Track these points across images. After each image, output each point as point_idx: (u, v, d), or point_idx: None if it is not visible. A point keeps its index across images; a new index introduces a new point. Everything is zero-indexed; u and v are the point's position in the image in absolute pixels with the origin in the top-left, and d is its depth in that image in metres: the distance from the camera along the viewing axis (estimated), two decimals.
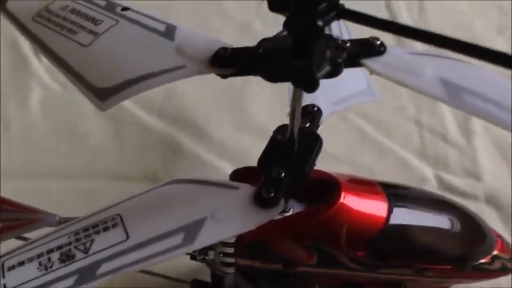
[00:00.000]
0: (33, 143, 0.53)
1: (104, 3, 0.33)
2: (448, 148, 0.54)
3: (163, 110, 0.56)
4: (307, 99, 0.35)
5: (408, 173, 0.52)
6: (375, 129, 0.55)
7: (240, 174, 0.37)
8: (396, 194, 0.36)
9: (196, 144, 0.53)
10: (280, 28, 0.26)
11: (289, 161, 0.31)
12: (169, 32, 0.29)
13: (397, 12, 0.71)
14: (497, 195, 0.50)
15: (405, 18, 0.71)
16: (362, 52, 0.26)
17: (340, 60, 0.26)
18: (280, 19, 0.26)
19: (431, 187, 0.51)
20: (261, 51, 0.26)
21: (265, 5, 0.25)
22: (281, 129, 0.32)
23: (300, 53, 0.25)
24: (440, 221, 0.36)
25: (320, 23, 0.23)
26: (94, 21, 0.31)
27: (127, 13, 0.31)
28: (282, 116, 0.55)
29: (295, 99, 0.29)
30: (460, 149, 0.54)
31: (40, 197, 0.48)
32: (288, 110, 0.30)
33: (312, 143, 0.32)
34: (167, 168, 0.51)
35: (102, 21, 0.31)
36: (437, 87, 0.25)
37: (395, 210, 0.34)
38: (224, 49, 0.27)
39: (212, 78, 0.28)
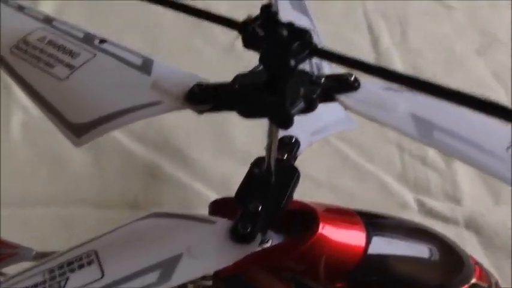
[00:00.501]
0: (12, 169, 0.53)
1: (81, 34, 0.33)
2: (428, 172, 0.55)
3: (145, 134, 0.55)
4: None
5: (389, 197, 0.53)
6: (356, 153, 0.56)
7: (219, 206, 0.37)
8: (374, 224, 0.36)
9: (178, 169, 0.53)
10: None
11: (266, 195, 0.31)
12: (146, 66, 0.30)
13: (378, 35, 0.72)
14: (477, 220, 0.50)
15: (387, 41, 0.71)
16: (336, 87, 0.27)
17: (314, 96, 0.26)
18: None
19: (412, 211, 0.51)
20: (236, 87, 0.26)
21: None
22: (258, 162, 0.33)
23: (274, 89, 0.25)
24: (419, 250, 0.36)
25: (292, 62, 0.23)
26: (71, 54, 0.31)
27: (105, 46, 0.31)
28: (263, 141, 0.55)
29: (272, 133, 0.29)
30: (440, 172, 0.55)
31: (19, 225, 0.47)
32: None
33: (289, 176, 0.32)
34: (148, 194, 0.51)
35: (80, 54, 0.31)
36: (409, 124, 0.25)
37: (374, 240, 0.34)
38: (199, 85, 0.27)
39: None
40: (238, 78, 0.27)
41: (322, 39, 0.43)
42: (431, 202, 0.52)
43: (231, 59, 0.66)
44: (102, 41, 0.32)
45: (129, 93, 0.28)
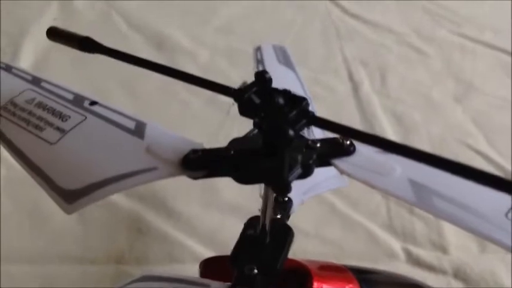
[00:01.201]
0: None
1: (71, 96, 0.32)
2: (415, 220, 0.55)
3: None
4: None
5: (377, 247, 0.52)
6: (343, 202, 0.56)
7: (211, 265, 0.36)
8: (367, 280, 0.36)
9: (164, 223, 0.52)
10: None
11: (261, 256, 0.30)
12: (139, 130, 0.29)
13: (358, 82, 0.73)
14: (464, 269, 0.50)
15: (367, 87, 0.73)
16: (332, 152, 0.27)
17: (311, 161, 0.26)
18: None
19: (400, 261, 0.51)
20: (232, 153, 0.26)
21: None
22: (251, 223, 0.32)
23: (271, 155, 0.26)
24: None
25: (291, 132, 0.23)
26: (61, 116, 0.31)
27: (95, 108, 0.31)
28: (251, 193, 0.55)
29: (267, 197, 0.29)
30: (426, 221, 0.55)
31: (4, 281, 0.46)
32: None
33: (284, 236, 0.32)
34: (134, 249, 0.50)
35: (70, 116, 0.31)
36: (407, 189, 0.25)
37: None
38: (195, 152, 0.27)
39: None
40: (233, 143, 0.27)
41: (309, 93, 0.44)
42: (418, 251, 0.52)
43: (215, 110, 0.67)
44: (93, 102, 0.32)
45: (122, 158, 0.28)
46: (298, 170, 0.25)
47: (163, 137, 0.29)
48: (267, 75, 0.26)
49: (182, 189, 0.56)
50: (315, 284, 0.33)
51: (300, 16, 0.86)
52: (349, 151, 0.27)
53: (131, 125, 0.30)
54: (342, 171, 0.26)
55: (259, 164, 0.25)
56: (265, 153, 0.26)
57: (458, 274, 0.50)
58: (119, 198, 0.54)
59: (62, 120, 0.30)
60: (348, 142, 0.27)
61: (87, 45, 0.30)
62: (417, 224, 0.55)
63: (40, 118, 0.31)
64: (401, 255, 0.52)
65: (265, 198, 0.29)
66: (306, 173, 0.26)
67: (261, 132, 0.25)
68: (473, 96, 0.73)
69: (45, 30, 0.31)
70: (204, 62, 0.75)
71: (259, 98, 0.25)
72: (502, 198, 0.25)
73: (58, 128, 0.30)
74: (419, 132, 0.66)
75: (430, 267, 0.51)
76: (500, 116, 0.70)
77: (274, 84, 0.47)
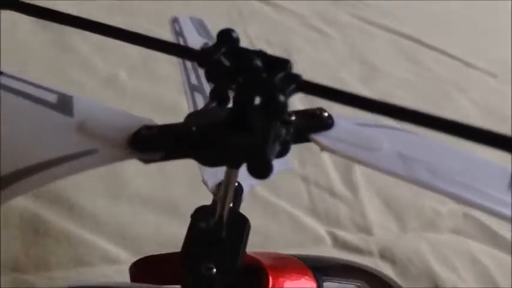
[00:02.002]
0: None
1: None
2: (337, 203, 0.53)
3: None
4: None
5: (302, 232, 0.50)
6: (263, 188, 0.52)
7: (142, 267, 0.31)
8: (318, 268, 0.33)
9: (65, 220, 0.45)
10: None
11: (218, 252, 0.26)
12: (65, 104, 0.23)
13: None
14: (390, 249, 0.50)
15: None
16: (310, 126, 0.23)
17: (288, 137, 0.22)
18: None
19: (327, 246, 0.49)
20: (194, 129, 0.21)
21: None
22: (201, 214, 0.28)
23: (244, 130, 0.21)
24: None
25: (282, 98, 0.19)
26: None
27: (2, 80, 0.24)
28: (161, 179, 0.49)
29: (229, 182, 0.24)
30: (348, 203, 0.54)
31: None
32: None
33: (240, 227, 0.27)
34: (32, 254, 0.42)
35: None
36: (397, 163, 0.22)
37: (325, 286, 0.31)
38: (148, 128, 0.21)
39: None
40: (192, 118, 0.22)
41: None
42: (343, 234, 0.50)
43: (112, 91, 0.60)
44: None
45: (51, 140, 0.22)
46: (277, 147, 0.21)
47: (99, 111, 0.23)
48: (234, 34, 0.22)
49: (83, 180, 0.49)
50: (271, 280, 0.29)
51: None
52: (328, 124, 0.23)
53: (52, 98, 0.24)
54: (323, 148, 0.23)
55: (232, 141, 0.21)
56: (236, 127, 0.21)
57: (385, 255, 0.49)
58: None
59: None
60: (326, 114, 0.23)
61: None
62: (340, 207, 0.53)
63: None
64: (328, 239, 0.50)
65: (227, 184, 0.24)
66: (283, 151, 0.22)
67: (239, 104, 0.21)
68: (378, 77, 0.74)
69: None
70: (99, 40, 0.67)
71: (230, 61, 0.20)
72: (499, 168, 0.23)
73: None
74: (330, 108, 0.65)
75: (356, 250, 0.49)
76: (403, 97, 0.71)
77: None
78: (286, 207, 0.51)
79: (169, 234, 0.46)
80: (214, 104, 0.23)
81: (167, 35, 0.67)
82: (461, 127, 0.18)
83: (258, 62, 0.20)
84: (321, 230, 0.51)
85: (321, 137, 0.23)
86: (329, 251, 0.49)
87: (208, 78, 0.21)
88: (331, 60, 0.75)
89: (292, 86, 0.20)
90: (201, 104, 0.36)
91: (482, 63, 0.82)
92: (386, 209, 0.53)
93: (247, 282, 0.29)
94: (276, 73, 0.20)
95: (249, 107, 0.20)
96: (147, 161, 0.21)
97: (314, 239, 0.50)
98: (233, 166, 0.23)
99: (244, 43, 0.66)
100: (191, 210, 0.49)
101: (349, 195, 0.54)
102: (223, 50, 0.21)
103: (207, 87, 0.38)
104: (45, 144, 0.22)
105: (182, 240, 0.45)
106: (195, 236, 0.27)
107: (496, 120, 0.71)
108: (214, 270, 0.25)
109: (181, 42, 0.42)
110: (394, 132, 0.24)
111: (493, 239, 0.52)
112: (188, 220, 0.47)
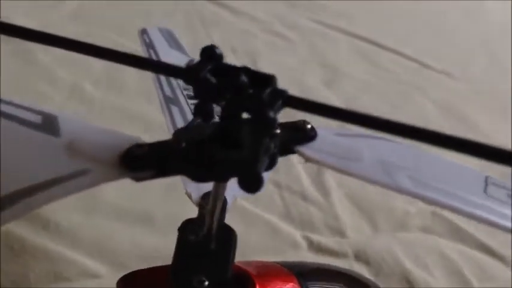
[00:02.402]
0: None
1: None
2: (309, 207, 0.54)
3: None
4: (207, 186, 0.31)
5: (278, 238, 0.51)
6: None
7: (129, 282, 0.31)
8: (302, 273, 0.34)
9: (41, 236, 0.44)
10: None
11: (208, 265, 0.26)
12: (50, 125, 0.23)
13: None
14: (364, 250, 0.51)
15: None
16: (294, 138, 0.24)
17: (275, 150, 0.22)
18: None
19: (303, 250, 0.50)
20: (183, 145, 0.22)
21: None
22: (189, 227, 0.28)
23: (232, 145, 0.22)
24: None
25: (271, 114, 0.20)
26: None
27: None
28: (135, 192, 0.49)
29: (217, 195, 0.25)
30: (320, 207, 0.55)
31: None
32: None
33: (227, 238, 0.28)
34: (9, 271, 0.42)
35: None
36: (379, 172, 0.23)
37: None
38: (139, 146, 0.22)
39: None
40: (180, 135, 0.23)
41: None
42: (318, 238, 0.51)
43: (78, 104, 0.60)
44: None
45: (39, 162, 0.22)
46: (266, 161, 0.22)
47: (86, 130, 0.23)
48: (217, 50, 0.22)
49: None
50: None
51: (162, 5, 0.81)
52: (311, 136, 0.24)
53: (37, 118, 0.23)
54: (308, 159, 0.23)
55: (222, 157, 0.21)
56: (225, 143, 0.22)
57: (359, 256, 0.50)
58: None
59: None
60: (309, 126, 0.24)
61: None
62: (313, 211, 0.54)
63: None
64: (303, 243, 0.51)
65: (215, 198, 0.25)
66: (271, 163, 0.22)
67: (226, 120, 0.21)
68: (340, 80, 0.75)
69: None
70: (61, 53, 0.67)
71: (216, 77, 0.21)
72: (474, 173, 0.25)
73: None
74: (296, 118, 0.66)
75: (331, 253, 0.50)
76: (366, 99, 0.73)
77: None
78: (261, 214, 0.52)
79: (147, 247, 0.46)
80: (199, 120, 0.23)
81: (133, 46, 0.67)
82: (444, 137, 0.19)
83: (244, 78, 0.21)
84: (297, 234, 0.51)
85: (305, 149, 0.23)
86: (305, 255, 0.49)
87: (197, 96, 0.21)
88: (294, 64, 0.76)
89: (279, 101, 0.20)
90: (177, 116, 0.36)
91: (437, 63, 0.84)
92: (357, 211, 0.55)
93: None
94: (263, 89, 0.20)
95: (237, 122, 0.21)
96: (139, 179, 0.22)
97: (290, 244, 0.50)
98: (223, 181, 0.23)
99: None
100: (167, 221, 0.50)
101: (321, 199, 0.55)
102: (209, 67, 0.21)
103: (182, 99, 0.38)
104: (35, 166, 0.21)
105: (160, 252, 0.45)
106: (184, 249, 0.27)
107: (455, 119, 0.74)
108: (207, 282, 0.25)
109: (152, 54, 0.42)
110: (374, 141, 0.25)
111: (460, 235, 0.54)
112: (164, 231, 0.48)
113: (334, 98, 0.71)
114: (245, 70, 0.21)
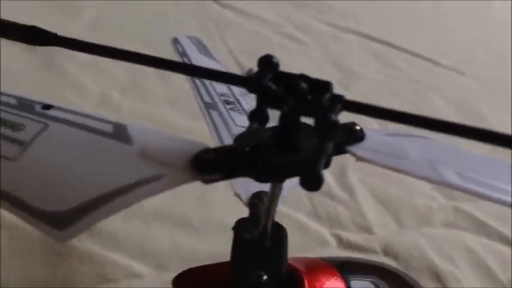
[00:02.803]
0: None
1: (14, 101, 0.27)
2: (336, 205, 0.56)
3: None
4: (255, 187, 0.33)
5: (308, 236, 0.52)
6: None
7: (186, 280, 0.32)
8: (344, 268, 0.35)
9: (86, 241, 0.46)
10: None
11: (265, 261, 0.28)
12: (121, 133, 0.25)
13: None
14: (392, 245, 0.52)
15: None
16: (346, 139, 0.26)
17: (331, 150, 0.24)
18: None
19: (333, 247, 0.52)
20: (247, 150, 0.24)
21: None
22: (243, 226, 0.30)
23: (291, 148, 0.23)
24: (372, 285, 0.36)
25: (333, 117, 0.21)
26: (13, 126, 0.25)
27: (53, 112, 0.26)
28: (172, 196, 0.51)
29: (274, 195, 0.26)
30: (346, 204, 0.56)
31: None
32: None
33: (280, 235, 0.29)
34: (58, 275, 0.43)
35: (24, 125, 0.25)
36: (428, 168, 0.25)
37: (352, 284, 0.34)
38: (207, 151, 0.23)
39: None
40: (242, 139, 0.25)
41: None
42: (347, 235, 0.53)
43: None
44: (47, 106, 0.26)
45: (115, 168, 0.23)
46: (324, 160, 0.24)
47: (156, 137, 0.25)
48: (274, 59, 0.24)
49: None
50: (307, 283, 0.31)
51: (175, 11, 0.83)
52: (360, 136, 0.26)
53: (108, 127, 0.25)
54: (360, 158, 0.25)
55: (284, 159, 0.23)
56: (286, 145, 0.23)
57: (387, 251, 0.52)
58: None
59: (15, 130, 0.25)
60: (358, 127, 0.26)
61: (37, 36, 0.25)
62: (340, 209, 0.56)
63: None
64: (332, 241, 0.52)
65: (272, 198, 0.27)
66: (327, 164, 0.24)
67: (287, 124, 0.23)
68: (356, 82, 0.77)
69: None
70: (84, 59, 0.69)
71: (277, 85, 0.23)
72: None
73: (14, 140, 0.24)
74: None
75: (361, 249, 0.52)
76: (381, 99, 0.74)
77: None
78: (290, 213, 0.54)
79: (186, 248, 0.48)
80: (255, 124, 0.25)
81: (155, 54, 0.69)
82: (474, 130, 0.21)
83: (303, 85, 0.23)
84: (325, 232, 0.53)
85: (356, 149, 0.25)
86: (336, 252, 0.51)
87: (261, 104, 0.23)
88: (309, 67, 0.78)
89: (339, 106, 0.22)
90: (218, 120, 0.38)
91: (448, 61, 0.86)
92: (382, 208, 0.56)
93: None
94: (322, 95, 0.22)
95: (297, 127, 0.23)
96: (207, 181, 0.23)
97: (320, 242, 0.52)
98: (283, 181, 0.25)
99: (225, 55, 0.69)
100: (202, 224, 0.51)
101: (347, 198, 0.57)
102: (269, 75, 0.23)
103: (221, 105, 0.40)
104: (110, 173, 0.23)
105: (198, 253, 0.47)
106: (241, 247, 0.29)
107: (469, 115, 0.75)
108: (265, 277, 0.27)
109: (186, 61, 0.44)
110: (419, 140, 0.27)
111: (483, 229, 0.56)
112: (200, 233, 0.49)
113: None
114: (303, 77, 0.23)
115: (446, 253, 0.53)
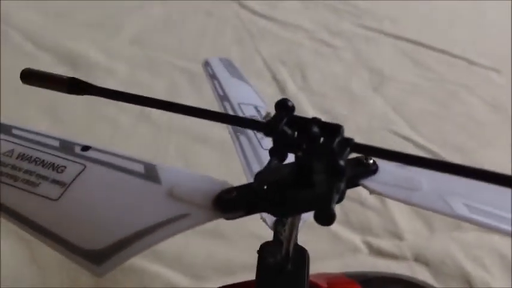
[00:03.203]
0: None
1: (57, 143, 0.29)
2: (367, 212, 0.57)
3: None
4: None
5: (339, 243, 0.54)
6: None
7: None
8: (366, 283, 0.37)
9: None
10: None
11: (287, 284, 0.30)
12: (151, 173, 0.27)
13: (283, 82, 0.74)
14: (423, 252, 0.53)
15: (291, 86, 0.74)
16: (359, 173, 0.27)
17: (343, 187, 0.26)
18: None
19: (363, 254, 0.53)
20: (265, 188, 0.26)
21: None
22: (268, 249, 0.32)
23: (307, 185, 0.25)
24: None
25: (342, 163, 0.23)
26: (54, 167, 0.28)
27: (90, 154, 0.29)
28: None
29: (293, 225, 0.28)
30: (377, 211, 0.57)
31: None
32: None
33: (301, 258, 0.31)
34: (103, 285, 0.47)
35: (65, 167, 0.28)
36: (438, 200, 0.26)
37: None
38: (228, 191, 0.25)
39: None
40: (261, 177, 0.26)
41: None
42: (378, 242, 0.54)
43: (147, 126, 0.64)
44: (86, 147, 0.29)
45: (145, 208, 0.26)
46: (337, 197, 0.25)
47: (183, 177, 0.27)
48: (290, 103, 0.26)
49: None
50: None
51: (209, 22, 0.85)
52: (374, 169, 0.27)
53: (140, 168, 0.28)
54: (372, 191, 0.27)
55: (300, 196, 0.25)
56: (302, 183, 0.25)
57: (418, 258, 0.53)
58: None
59: (57, 171, 0.27)
60: (371, 161, 0.27)
61: (75, 86, 0.28)
62: (370, 216, 0.57)
63: (29, 172, 0.28)
64: (363, 248, 0.54)
65: (291, 227, 0.29)
66: (341, 198, 0.26)
67: (302, 166, 0.25)
68: (387, 84, 0.78)
69: None
70: (124, 76, 0.72)
71: (291, 128, 0.24)
72: None
73: (56, 181, 0.27)
74: (348, 125, 0.68)
75: (392, 256, 0.53)
76: (414, 101, 0.75)
77: (235, 98, 0.46)
78: None
79: (220, 259, 0.50)
80: (275, 161, 0.27)
81: (191, 67, 0.72)
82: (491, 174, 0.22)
83: (316, 129, 0.24)
84: (356, 239, 0.55)
85: (369, 182, 0.27)
86: (366, 259, 0.53)
87: (276, 148, 0.25)
88: (341, 71, 0.79)
89: (347, 149, 0.24)
90: (246, 144, 0.40)
91: (484, 60, 0.85)
92: (413, 215, 0.57)
93: None
94: (333, 139, 0.24)
95: (311, 168, 0.25)
96: (229, 218, 0.26)
97: (351, 249, 0.54)
98: (300, 214, 0.27)
99: (259, 64, 0.71)
100: (234, 234, 0.54)
101: (378, 205, 0.58)
102: (284, 120, 0.25)
103: (249, 130, 0.42)
104: (141, 212, 0.25)
105: (232, 263, 0.49)
106: (264, 270, 0.31)
107: (504, 116, 0.75)
108: None
109: (216, 84, 0.46)
110: (430, 172, 0.28)
111: None
112: (233, 244, 0.52)
113: (380, 102, 0.73)
114: (316, 121, 0.25)
115: (477, 258, 0.53)
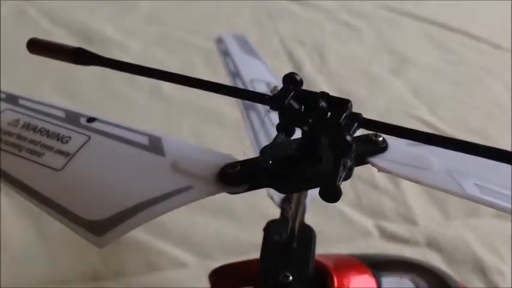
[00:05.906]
0: None
1: (62, 114, 0.29)
2: (380, 196, 0.56)
3: None
4: None
5: (351, 227, 0.53)
6: None
7: (221, 276, 0.34)
8: (374, 265, 0.36)
9: (135, 230, 0.49)
10: None
11: (292, 262, 0.29)
12: (156, 145, 0.27)
13: (299, 62, 0.73)
14: (436, 238, 0.53)
15: (309, 66, 0.73)
16: (367, 150, 0.26)
17: (351, 163, 0.25)
18: None
19: (375, 238, 0.53)
20: (270, 162, 0.25)
21: None
22: (273, 228, 0.31)
23: (314, 161, 0.25)
24: (423, 285, 0.37)
25: (349, 138, 0.22)
26: (59, 138, 0.27)
27: (96, 125, 0.28)
28: None
29: (299, 202, 0.28)
30: (391, 195, 0.57)
31: None
32: None
33: (308, 237, 0.31)
34: (109, 262, 0.47)
35: (70, 137, 0.27)
36: (448, 180, 0.26)
37: (383, 281, 0.35)
38: (232, 165, 0.25)
39: None
40: (266, 152, 0.26)
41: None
42: (390, 226, 0.54)
43: (160, 103, 0.64)
44: (91, 119, 0.29)
45: (148, 180, 0.25)
46: (343, 173, 0.25)
47: (187, 150, 0.26)
48: (298, 77, 0.25)
49: None
50: (336, 281, 0.32)
51: (226, 1, 0.85)
52: (384, 147, 0.26)
53: (144, 140, 0.27)
54: (381, 169, 0.26)
55: (305, 172, 0.24)
56: (307, 159, 0.25)
57: (431, 244, 0.52)
58: None
59: (62, 142, 0.27)
60: (381, 138, 0.27)
61: (82, 57, 0.28)
62: (384, 200, 0.56)
63: (34, 142, 0.27)
64: (375, 232, 0.53)
65: (297, 204, 0.28)
66: (348, 175, 0.25)
67: (308, 141, 0.24)
68: (408, 67, 0.76)
69: None
70: (138, 53, 0.72)
71: (298, 103, 0.24)
72: None
73: (60, 152, 0.27)
74: (366, 107, 0.68)
75: (404, 241, 0.52)
76: (436, 85, 0.73)
77: (247, 75, 0.45)
78: (334, 204, 0.55)
79: (230, 237, 0.50)
80: (283, 136, 0.26)
81: (205, 45, 0.71)
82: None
83: (323, 104, 0.24)
84: (368, 223, 0.54)
85: (378, 160, 0.26)
86: (377, 244, 0.52)
87: (283, 121, 0.24)
88: (361, 53, 0.77)
89: (355, 125, 0.23)
90: (255, 120, 0.40)
91: (509, 44, 0.83)
92: (428, 199, 0.56)
93: (314, 284, 0.33)
94: (340, 114, 0.23)
95: (318, 143, 0.24)
96: (233, 193, 0.25)
97: (363, 233, 0.53)
98: (305, 191, 0.26)
99: (276, 44, 0.70)
100: (245, 214, 0.53)
101: (391, 188, 0.57)
102: (291, 94, 0.24)
103: (260, 106, 0.41)
104: (144, 184, 0.25)
105: (241, 242, 0.49)
106: (269, 248, 0.30)
107: None
108: (291, 278, 0.28)
109: (229, 62, 0.45)
110: (442, 150, 0.27)
111: None
112: (243, 223, 0.51)
113: (399, 85, 0.72)
114: (324, 96, 0.24)
115: (492, 246, 0.52)
